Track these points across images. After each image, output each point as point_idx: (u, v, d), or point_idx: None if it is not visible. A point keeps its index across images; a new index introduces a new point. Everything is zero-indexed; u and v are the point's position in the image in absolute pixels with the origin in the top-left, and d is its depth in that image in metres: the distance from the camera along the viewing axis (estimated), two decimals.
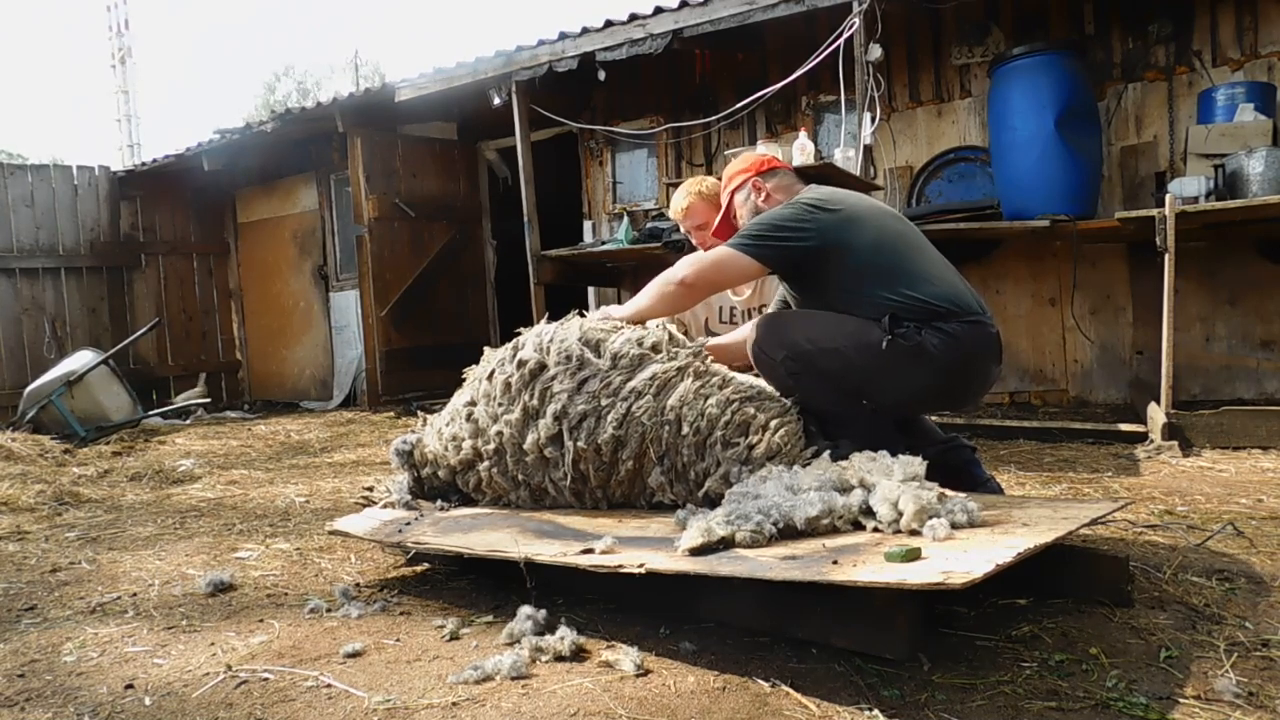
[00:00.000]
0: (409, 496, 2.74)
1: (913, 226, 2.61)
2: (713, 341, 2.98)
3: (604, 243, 6.54)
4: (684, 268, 2.55)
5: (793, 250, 2.44)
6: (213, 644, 2.08)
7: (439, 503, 2.67)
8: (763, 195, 2.75)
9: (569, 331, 2.53)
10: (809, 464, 2.20)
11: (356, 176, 7.38)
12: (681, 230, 3.33)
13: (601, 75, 5.74)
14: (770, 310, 2.79)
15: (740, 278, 2.65)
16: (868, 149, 4.71)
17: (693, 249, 3.40)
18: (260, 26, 55.55)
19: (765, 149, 4.54)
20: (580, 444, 2.37)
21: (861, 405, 2.44)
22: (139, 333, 7.42)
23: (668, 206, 6.78)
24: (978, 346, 2.41)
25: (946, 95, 5.78)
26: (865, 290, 2.41)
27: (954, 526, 1.82)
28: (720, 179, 3.13)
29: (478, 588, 2.40)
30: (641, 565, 1.85)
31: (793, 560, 1.75)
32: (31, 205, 8.36)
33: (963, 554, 1.66)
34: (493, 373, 2.61)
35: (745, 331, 2.72)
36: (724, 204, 2.87)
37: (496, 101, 6.23)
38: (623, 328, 2.54)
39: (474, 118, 7.57)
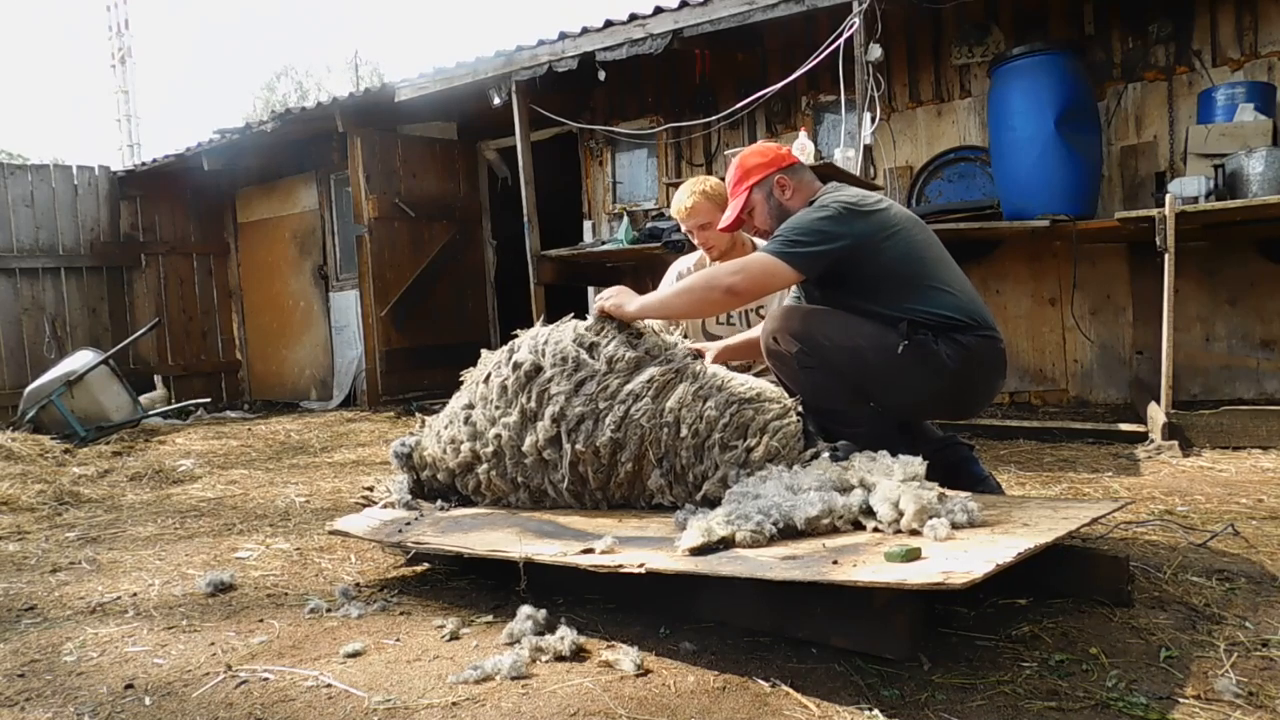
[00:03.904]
0: (409, 496, 2.73)
1: (934, 235, 2.58)
2: (736, 339, 2.96)
3: (604, 243, 6.54)
4: (730, 274, 2.43)
5: (829, 255, 2.40)
6: (213, 644, 2.08)
7: (439, 503, 2.67)
8: (788, 193, 2.63)
9: (564, 334, 2.53)
10: (809, 465, 2.20)
11: (356, 176, 7.38)
12: (683, 230, 3.30)
13: (601, 75, 5.74)
14: (773, 309, 2.78)
15: (783, 286, 2.60)
16: (868, 149, 4.71)
17: (693, 248, 3.39)
18: (260, 26, 55.59)
19: None
20: (578, 446, 2.37)
21: (868, 406, 2.44)
22: (139, 333, 7.42)
23: (668, 206, 6.79)
24: (988, 360, 2.44)
25: (946, 95, 5.78)
26: (886, 298, 2.41)
27: (954, 526, 1.83)
28: (722, 179, 3.09)
29: (478, 588, 2.40)
30: (642, 565, 1.85)
31: (793, 560, 1.75)
32: (31, 205, 8.36)
33: (963, 554, 1.66)
34: (489, 375, 2.61)
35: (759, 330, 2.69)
36: (741, 197, 2.70)
37: (496, 101, 6.23)
38: (615, 330, 2.51)
39: (474, 118, 7.56)
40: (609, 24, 5.65)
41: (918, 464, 2.07)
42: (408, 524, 2.50)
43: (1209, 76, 4.95)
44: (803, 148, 4.59)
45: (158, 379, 8.80)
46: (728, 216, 2.75)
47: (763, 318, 2.93)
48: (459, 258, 8.07)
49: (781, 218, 2.58)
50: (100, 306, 8.77)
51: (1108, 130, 5.22)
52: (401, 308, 7.55)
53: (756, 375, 2.60)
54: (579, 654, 1.85)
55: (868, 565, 1.66)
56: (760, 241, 2.98)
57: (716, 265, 2.57)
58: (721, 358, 2.78)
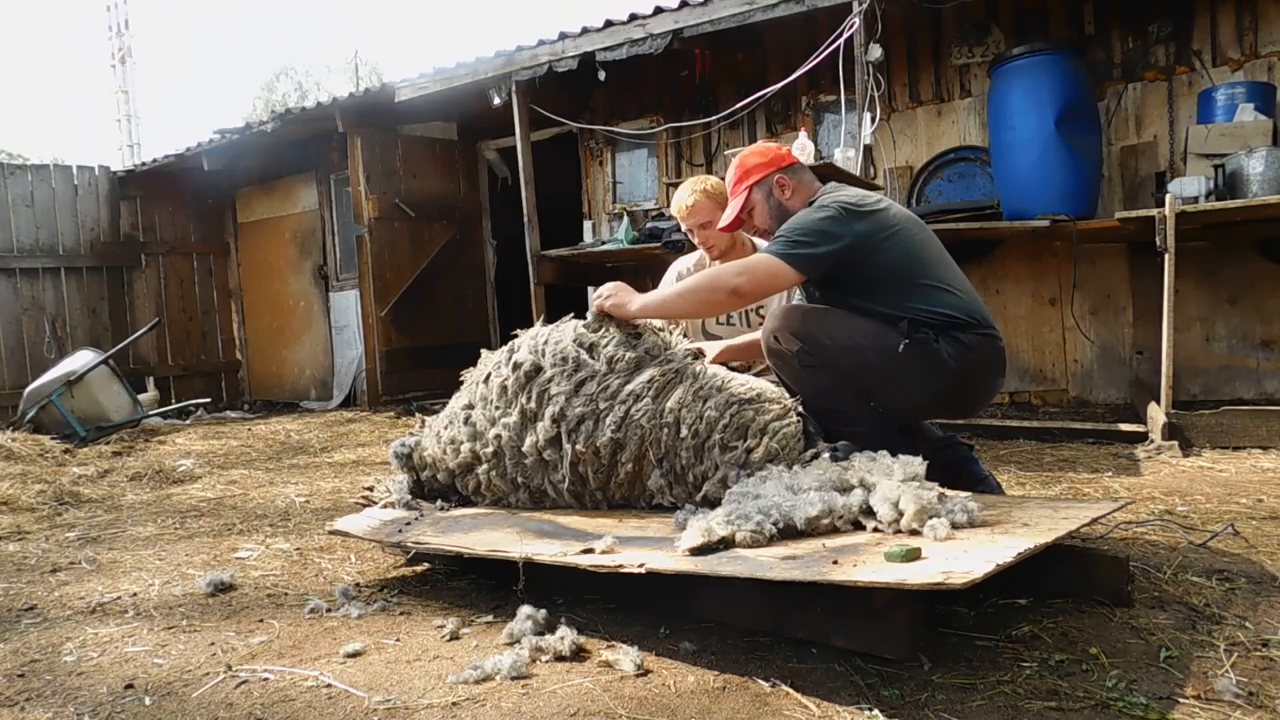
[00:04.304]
0: (409, 496, 2.73)
1: (933, 235, 2.59)
2: (740, 340, 2.96)
3: (604, 243, 6.54)
4: (735, 276, 2.41)
5: (831, 256, 2.40)
6: (213, 644, 2.08)
7: (439, 503, 2.67)
8: (788, 192, 2.64)
9: (564, 334, 2.52)
10: (809, 465, 2.20)
11: (356, 176, 7.38)
12: (683, 228, 3.30)
13: (601, 75, 5.75)
14: (773, 309, 2.78)
15: (786, 286, 2.60)
16: (868, 149, 4.71)
17: (693, 248, 3.39)
18: (260, 26, 55.59)
19: None
20: (579, 447, 2.37)
21: (868, 405, 2.44)
22: (139, 333, 7.42)
23: (668, 206, 6.78)
24: (988, 359, 2.45)
25: (946, 95, 5.78)
26: (887, 297, 2.41)
27: (954, 526, 1.83)
28: (722, 179, 3.09)
29: (478, 588, 2.40)
30: (642, 565, 1.85)
31: (793, 560, 1.75)
32: (31, 205, 8.36)
33: (963, 554, 1.66)
34: (489, 375, 2.61)
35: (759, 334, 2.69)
36: (740, 196, 2.70)
37: (496, 101, 6.23)
38: (615, 329, 2.51)
39: (474, 118, 7.56)
40: (609, 24, 5.65)
41: (918, 464, 2.07)
42: (408, 524, 2.50)
43: (1209, 76, 4.95)
44: (803, 148, 4.59)
45: (149, 381, 8.76)
46: (727, 216, 2.76)
47: (763, 318, 2.93)
48: (459, 258, 8.07)
49: (781, 217, 2.59)
50: (100, 306, 8.77)
51: (1108, 130, 5.22)
52: (402, 308, 7.55)
53: (756, 375, 2.60)
54: (579, 654, 1.85)
55: (868, 565, 1.66)
56: (760, 242, 2.98)
57: (720, 266, 2.56)
58: (723, 358, 2.79)
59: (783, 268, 2.39)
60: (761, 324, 2.80)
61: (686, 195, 3.19)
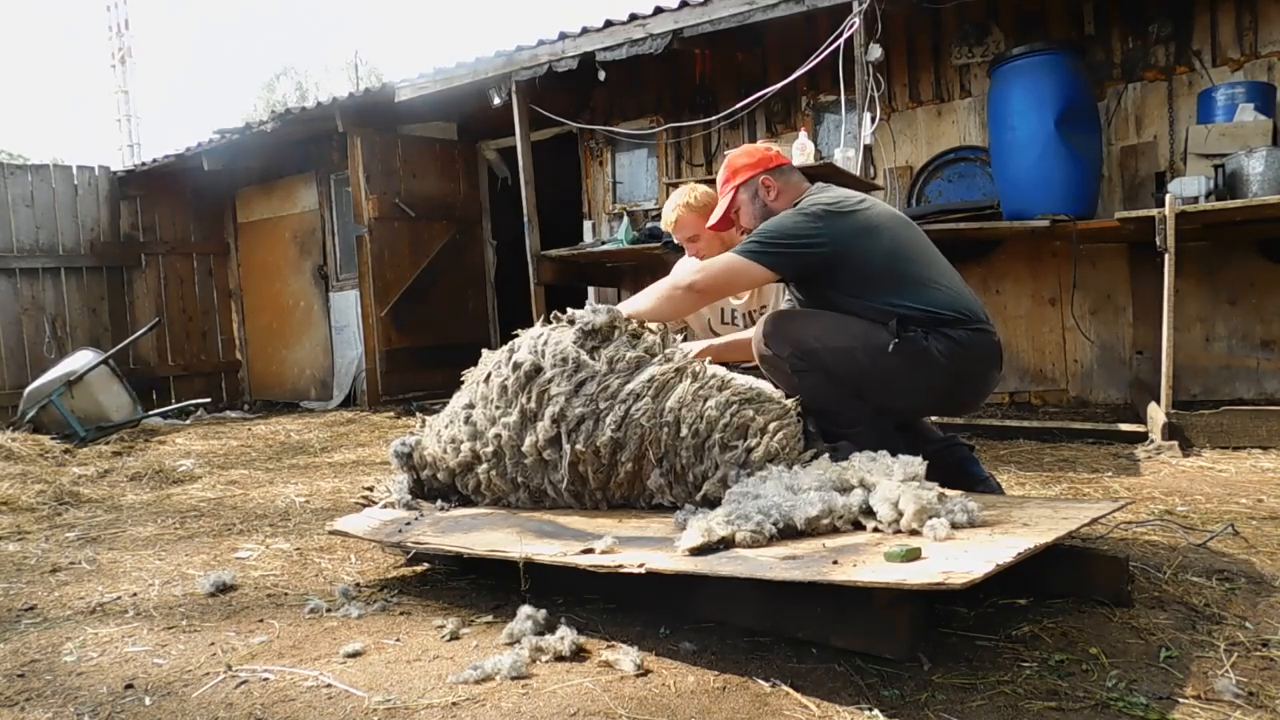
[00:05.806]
0: (409, 496, 2.73)
1: (921, 233, 2.60)
2: (721, 340, 2.97)
3: (604, 243, 6.54)
4: (693, 273, 2.53)
5: (806, 257, 2.43)
6: (213, 644, 2.08)
7: (439, 503, 2.67)
8: (773, 194, 2.67)
9: (564, 334, 2.52)
10: (809, 465, 2.20)
11: (356, 176, 7.38)
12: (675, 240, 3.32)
13: (601, 75, 5.75)
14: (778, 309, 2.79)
15: (750, 285, 2.65)
16: (868, 149, 4.71)
17: None
18: (260, 26, 55.58)
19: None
20: (578, 446, 2.37)
21: (864, 406, 2.44)
22: (139, 333, 7.43)
23: None
24: (982, 353, 2.44)
25: (946, 95, 5.78)
26: (874, 295, 2.41)
27: (954, 526, 1.83)
28: (713, 185, 3.10)
29: (478, 588, 2.40)
30: (642, 565, 1.85)
31: (793, 560, 1.75)
32: (31, 205, 8.36)
33: (963, 554, 1.66)
34: (489, 375, 2.61)
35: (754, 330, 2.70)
36: (727, 196, 2.75)
37: (496, 101, 6.23)
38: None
39: (474, 118, 7.57)
40: (609, 24, 5.65)
41: (917, 464, 2.07)
42: (408, 524, 2.50)
43: (1209, 76, 4.95)
44: (802, 148, 4.60)
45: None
46: (716, 215, 2.82)
47: None
48: (459, 258, 8.07)
49: (766, 218, 2.63)
50: (100, 306, 8.77)
51: (1108, 130, 5.22)
52: (402, 308, 7.55)
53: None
54: (579, 654, 1.85)
55: (868, 565, 1.66)
56: None
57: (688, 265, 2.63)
58: (708, 356, 2.80)
59: (744, 264, 2.44)
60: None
61: (670, 211, 3.23)
